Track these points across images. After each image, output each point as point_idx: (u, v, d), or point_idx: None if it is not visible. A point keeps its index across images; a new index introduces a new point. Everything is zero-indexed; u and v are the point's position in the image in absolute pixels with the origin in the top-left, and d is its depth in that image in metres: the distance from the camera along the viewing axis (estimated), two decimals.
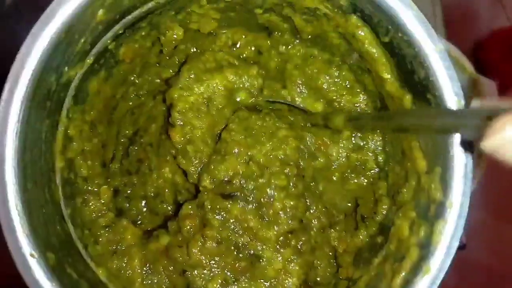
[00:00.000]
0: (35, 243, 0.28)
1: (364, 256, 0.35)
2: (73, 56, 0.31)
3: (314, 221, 0.38)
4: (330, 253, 0.37)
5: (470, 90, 0.60)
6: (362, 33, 0.33)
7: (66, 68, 0.31)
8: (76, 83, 0.33)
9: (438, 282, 0.28)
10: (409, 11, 0.29)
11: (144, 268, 0.34)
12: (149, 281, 0.34)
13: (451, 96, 0.29)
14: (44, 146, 0.31)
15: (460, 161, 0.29)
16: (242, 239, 0.35)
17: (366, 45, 0.33)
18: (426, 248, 0.29)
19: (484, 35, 0.74)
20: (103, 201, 0.35)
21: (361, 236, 0.36)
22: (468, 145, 0.28)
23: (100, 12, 0.30)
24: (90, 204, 0.35)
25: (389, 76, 0.33)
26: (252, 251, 0.35)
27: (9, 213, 0.27)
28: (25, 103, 0.28)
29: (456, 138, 0.29)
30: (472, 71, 0.58)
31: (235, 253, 0.34)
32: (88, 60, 0.33)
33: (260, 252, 0.34)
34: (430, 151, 0.31)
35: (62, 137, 0.33)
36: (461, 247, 0.62)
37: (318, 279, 0.36)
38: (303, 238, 0.36)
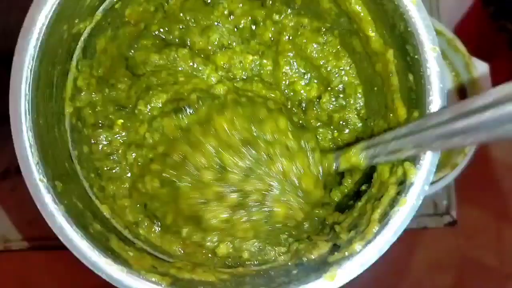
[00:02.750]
0: (44, 171, 0.31)
1: (349, 204, 0.37)
2: (83, 9, 0.34)
3: None
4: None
5: (465, 70, 0.62)
6: None
7: (76, 20, 0.34)
8: (85, 37, 0.36)
9: (412, 213, 0.30)
10: None
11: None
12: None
13: (428, 44, 0.32)
14: (55, 89, 0.34)
15: (436, 106, 0.31)
16: None
17: (353, 4, 0.36)
18: (402, 185, 0.31)
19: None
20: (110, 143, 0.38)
21: (346, 184, 0.38)
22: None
23: None
24: (97, 150, 0.38)
25: (373, 33, 0.36)
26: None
27: (22, 142, 0.30)
28: (39, 44, 0.31)
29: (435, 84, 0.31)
30: (465, 52, 0.61)
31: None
32: (96, 16, 0.36)
33: None
34: (409, 99, 0.34)
35: (71, 86, 0.36)
36: (451, 223, 0.64)
37: (306, 225, 0.38)
38: None
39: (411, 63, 0.33)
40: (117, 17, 0.38)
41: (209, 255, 0.37)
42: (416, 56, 0.32)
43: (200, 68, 0.41)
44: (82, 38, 0.36)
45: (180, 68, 0.41)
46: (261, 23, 0.43)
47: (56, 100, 0.34)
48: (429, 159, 0.31)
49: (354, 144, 0.35)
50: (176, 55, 0.41)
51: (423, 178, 0.31)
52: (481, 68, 0.62)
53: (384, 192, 0.32)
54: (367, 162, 0.34)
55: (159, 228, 0.37)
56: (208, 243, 0.36)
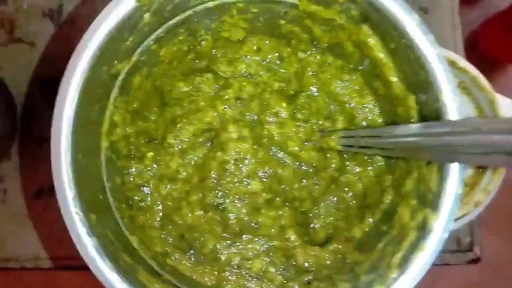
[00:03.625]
0: (80, 205, 0.33)
1: (369, 243, 0.38)
2: (122, 52, 0.36)
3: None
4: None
5: (489, 107, 0.62)
6: (372, 41, 0.37)
7: (115, 62, 0.36)
8: (123, 76, 0.38)
9: (432, 259, 0.31)
10: (409, 18, 0.33)
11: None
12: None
13: (448, 94, 0.33)
14: (93, 126, 0.36)
15: None
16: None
17: (376, 51, 0.37)
18: (422, 230, 0.32)
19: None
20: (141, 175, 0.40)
21: (366, 222, 0.39)
22: None
23: (146, 15, 0.36)
24: (128, 181, 0.40)
25: (395, 79, 0.37)
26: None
27: (61, 177, 0.32)
28: (81, 86, 0.33)
29: None
30: (489, 89, 0.61)
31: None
32: (133, 58, 0.38)
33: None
34: None
35: (108, 122, 0.38)
36: (475, 260, 0.64)
37: (328, 262, 0.39)
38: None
39: (432, 110, 0.34)
40: (152, 57, 0.41)
41: (241, 281, 0.38)
42: (436, 105, 0.33)
43: (223, 92, 0.43)
44: (119, 78, 0.38)
45: (204, 91, 0.43)
46: (286, 59, 0.45)
47: (93, 135, 0.36)
48: (448, 208, 0.31)
49: (335, 131, 0.42)
50: (200, 80, 0.43)
51: (442, 226, 0.31)
52: (505, 104, 0.62)
53: (405, 236, 0.33)
54: (341, 148, 0.41)
55: (193, 258, 0.39)
56: (245, 262, 0.39)
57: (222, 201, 0.40)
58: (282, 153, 0.42)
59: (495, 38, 0.97)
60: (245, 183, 0.41)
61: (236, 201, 0.40)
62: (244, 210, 0.40)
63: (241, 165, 0.41)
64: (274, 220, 0.41)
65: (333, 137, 0.41)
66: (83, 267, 0.62)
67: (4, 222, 0.60)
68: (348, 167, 0.43)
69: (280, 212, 0.41)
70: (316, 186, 0.42)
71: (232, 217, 0.40)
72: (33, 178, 0.61)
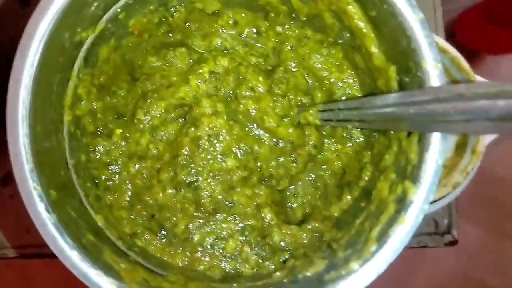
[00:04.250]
0: (38, 179, 0.30)
1: (347, 220, 0.37)
2: (86, 18, 0.34)
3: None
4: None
5: None
6: (353, 9, 0.35)
7: (79, 29, 0.34)
8: (87, 46, 0.36)
9: (411, 232, 0.30)
10: None
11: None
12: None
13: (430, 61, 0.31)
14: (54, 97, 0.34)
15: None
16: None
17: (356, 20, 0.36)
18: (402, 203, 0.31)
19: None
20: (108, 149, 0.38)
21: (345, 200, 0.37)
22: None
23: None
24: (95, 159, 0.37)
25: (376, 50, 0.36)
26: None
27: (18, 148, 0.30)
28: (40, 52, 0.31)
29: None
30: (469, 71, 0.60)
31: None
32: (99, 26, 0.36)
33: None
34: None
35: (72, 94, 0.36)
36: (452, 243, 0.63)
37: (305, 241, 0.37)
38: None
39: (413, 80, 0.32)
40: (120, 27, 0.38)
41: (215, 261, 0.36)
42: (418, 73, 0.32)
43: (197, 67, 0.41)
44: (84, 47, 0.36)
45: (177, 66, 0.41)
46: (264, 34, 0.43)
47: (55, 107, 0.34)
48: (429, 178, 0.30)
49: (314, 105, 0.40)
50: (173, 55, 0.41)
51: (423, 197, 0.30)
52: None
53: (383, 210, 0.32)
54: (320, 122, 0.39)
55: (165, 239, 0.37)
56: (218, 242, 0.37)
57: (195, 179, 0.38)
58: (259, 129, 0.40)
59: (472, 29, 0.98)
60: (220, 160, 0.39)
61: (210, 179, 0.38)
62: (218, 188, 0.38)
63: (215, 141, 0.39)
64: (249, 199, 0.39)
65: (311, 111, 0.39)
66: (51, 255, 0.60)
67: None
68: (326, 145, 0.41)
69: (256, 191, 0.39)
70: (293, 164, 0.41)
71: (206, 196, 0.38)
72: None
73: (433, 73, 0.31)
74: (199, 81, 0.41)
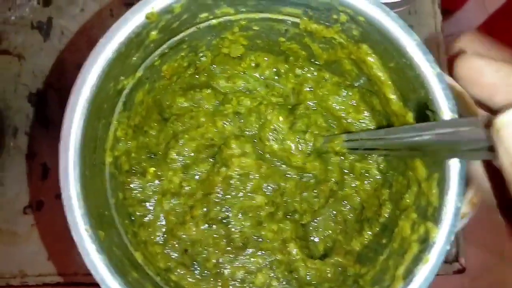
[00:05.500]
0: (89, 221, 0.32)
1: (369, 256, 0.39)
2: (128, 67, 0.37)
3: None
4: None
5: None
6: (372, 59, 0.38)
7: (121, 77, 0.37)
8: (127, 92, 0.38)
9: (435, 271, 0.32)
10: (410, 39, 0.34)
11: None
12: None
13: (447, 111, 0.34)
14: (98, 142, 0.36)
15: (456, 169, 0.33)
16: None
17: (375, 69, 0.38)
18: (425, 243, 0.33)
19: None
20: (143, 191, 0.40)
21: (365, 235, 0.40)
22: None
23: (153, 32, 0.36)
24: (130, 196, 0.40)
25: (394, 96, 0.38)
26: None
27: (70, 193, 0.32)
28: (89, 102, 0.33)
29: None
30: (474, 107, 0.64)
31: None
32: (138, 73, 0.39)
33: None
34: (429, 160, 0.36)
35: (112, 137, 0.38)
36: (460, 271, 0.66)
37: (329, 275, 0.40)
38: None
39: None
40: (155, 72, 0.41)
41: None
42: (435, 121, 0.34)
43: (222, 108, 0.44)
44: (124, 93, 0.38)
45: (204, 107, 0.43)
46: (283, 75, 0.46)
47: (98, 151, 0.36)
48: (450, 220, 0.33)
49: (339, 134, 0.43)
50: (200, 96, 0.44)
51: (445, 238, 0.33)
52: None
53: (407, 249, 0.34)
54: (348, 151, 0.42)
55: (197, 273, 0.39)
56: (248, 276, 0.39)
57: (226, 215, 0.40)
58: (285, 166, 0.43)
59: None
60: (249, 197, 0.41)
61: (240, 215, 0.41)
62: (247, 224, 0.41)
63: (245, 180, 0.41)
64: (276, 234, 0.41)
65: (336, 141, 0.42)
66: (71, 283, 0.61)
67: None
68: (346, 181, 0.44)
69: (281, 225, 0.42)
70: (316, 199, 0.43)
71: (236, 231, 0.40)
72: (20, 193, 0.60)
73: None
74: (224, 122, 0.44)
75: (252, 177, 0.41)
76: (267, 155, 0.43)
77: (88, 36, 0.63)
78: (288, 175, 0.43)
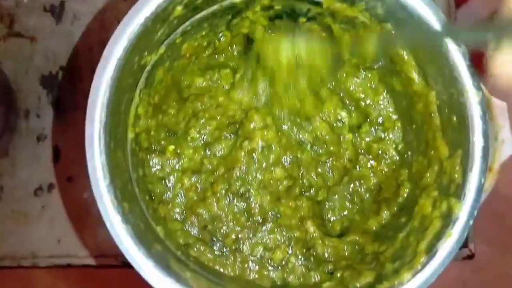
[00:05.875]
0: (114, 192, 0.32)
1: (388, 234, 0.39)
2: (152, 43, 0.37)
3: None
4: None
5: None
6: None
7: (146, 53, 0.37)
8: (149, 68, 0.38)
9: (459, 244, 0.32)
10: (434, 17, 0.34)
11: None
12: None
13: (472, 89, 0.34)
14: (122, 115, 0.36)
15: (479, 145, 0.34)
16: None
17: (398, 49, 0.39)
18: (448, 218, 0.34)
19: None
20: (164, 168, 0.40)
21: (383, 216, 0.40)
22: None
23: (179, 8, 0.36)
24: (150, 174, 0.40)
25: (416, 76, 0.39)
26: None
27: (96, 164, 0.32)
28: (115, 75, 0.34)
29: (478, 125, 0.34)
30: (486, 92, 0.64)
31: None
32: (160, 50, 0.39)
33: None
34: (452, 139, 0.36)
35: (134, 113, 0.38)
36: (470, 256, 0.66)
37: (346, 253, 0.40)
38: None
39: (455, 105, 0.35)
40: (175, 50, 0.41)
41: (264, 271, 0.39)
42: (460, 99, 0.35)
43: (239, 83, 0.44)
44: (146, 69, 0.38)
45: (223, 87, 0.44)
46: None
47: (122, 125, 0.36)
48: (473, 196, 0.33)
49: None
50: (219, 76, 0.44)
51: (468, 213, 0.33)
52: (499, 105, 0.65)
53: (429, 226, 0.35)
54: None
55: (216, 249, 0.39)
56: (267, 252, 0.40)
57: (248, 189, 0.41)
58: (300, 132, 0.43)
59: None
60: (270, 171, 0.41)
61: (260, 189, 0.41)
62: (267, 198, 0.41)
63: (267, 153, 0.41)
64: (293, 211, 0.41)
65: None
66: (81, 265, 0.61)
67: (1, 220, 0.58)
68: (361, 161, 0.44)
69: (299, 203, 0.42)
70: (330, 175, 0.43)
71: (256, 206, 0.41)
72: (31, 175, 0.60)
73: (474, 101, 0.34)
74: (240, 92, 0.43)
75: (274, 149, 0.42)
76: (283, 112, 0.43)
77: (100, 19, 0.63)
78: (304, 145, 0.43)
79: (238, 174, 0.41)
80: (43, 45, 0.62)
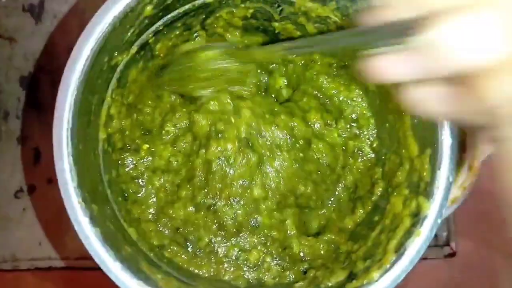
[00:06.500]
0: (82, 194, 0.32)
1: (362, 233, 0.39)
2: (122, 43, 0.37)
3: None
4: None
5: None
6: None
7: (116, 53, 0.36)
8: (121, 68, 0.38)
9: (427, 243, 0.33)
10: None
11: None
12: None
13: None
14: (92, 116, 0.36)
15: (447, 144, 0.34)
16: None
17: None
18: (417, 217, 0.34)
19: None
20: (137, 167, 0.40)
21: (358, 214, 0.40)
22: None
23: (148, 7, 0.36)
24: (123, 173, 0.40)
25: None
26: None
27: (63, 166, 0.32)
28: (83, 76, 0.33)
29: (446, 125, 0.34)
30: None
31: None
32: (132, 50, 0.38)
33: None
34: (421, 137, 0.36)
35: (106, 113, 0.38)
36: (451, 254, 0.66)
37: (322, 252, 0.40)
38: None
39: None
40: (149, 50, 0.41)
41: (239, 272, 0.39)
42: None
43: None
44: (118, 69, 0.38)
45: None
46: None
47: (93, 126, 0.36)
48: (441, 194, 0.33)
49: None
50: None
51: (436, 212, 0.33)
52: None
53: (399, 224, 0.35)
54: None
55: (190, 250, 0.39)
56: (242, 254, 0.39)
57: (213, 203, 0.40)
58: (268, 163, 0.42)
59: None
60: (241, 184, 0.41)
61: (232, 204, 0.40)
62: (240, 212, 0.40)
63: (230, 163, 0.41)
64: (274, 219, 0.41)
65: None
66: (63, 268, 0.61)
67: None
68: (338, 160, 0.44)
69: (281, 215, 0.42)
70: (323, 186, 0.43)
71: (228, 218, 0.40)
72: (11, 177, 0.60)
73: None
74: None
75: (234, 161, 0.41)
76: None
77: (80, 19, 0.63)
78: (278, 154, 0.42)
79: (198, 184, 0.40)
80: (23, 46, 0.62)
